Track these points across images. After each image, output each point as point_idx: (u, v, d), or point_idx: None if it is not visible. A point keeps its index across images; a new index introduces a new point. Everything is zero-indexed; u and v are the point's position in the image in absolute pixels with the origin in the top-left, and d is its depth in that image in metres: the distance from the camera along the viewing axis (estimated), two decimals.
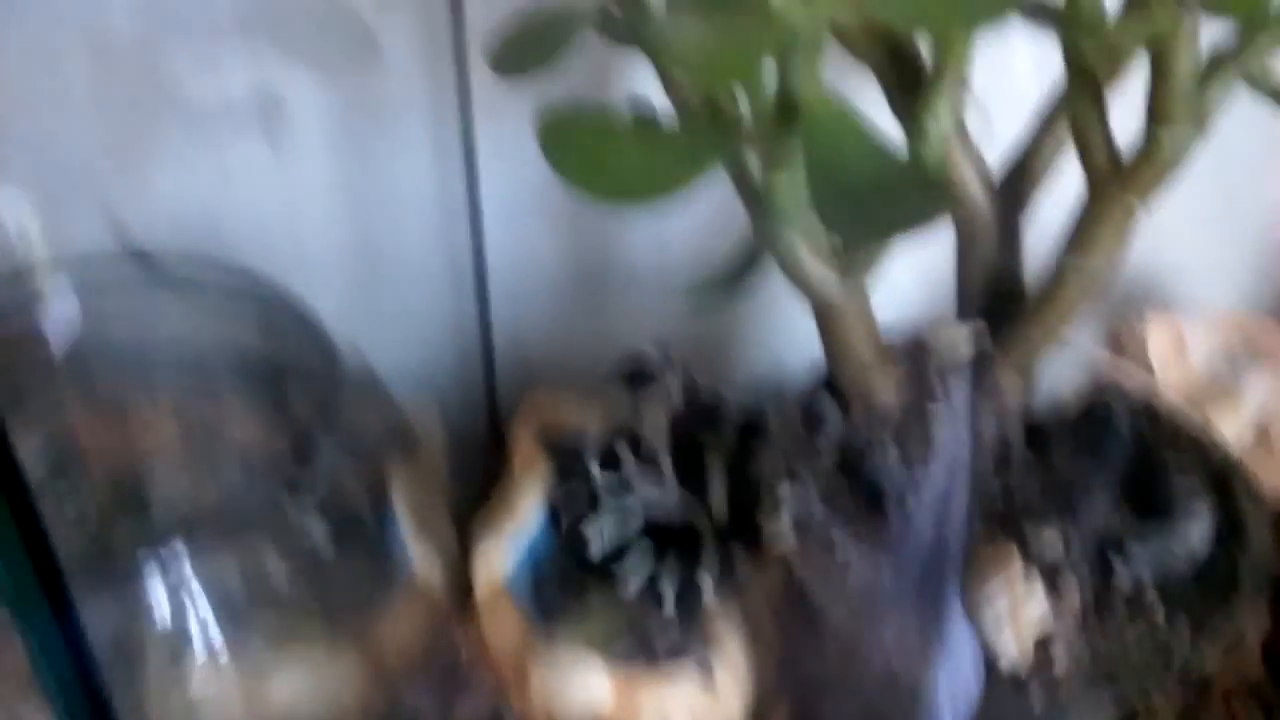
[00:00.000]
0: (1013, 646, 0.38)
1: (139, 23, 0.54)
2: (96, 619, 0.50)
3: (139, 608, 0.51)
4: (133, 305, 0.58)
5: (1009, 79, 0.48)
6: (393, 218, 0.64)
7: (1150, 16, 0.35)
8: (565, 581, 0.57)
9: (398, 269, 0.65)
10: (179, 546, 0.51)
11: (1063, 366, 0.53)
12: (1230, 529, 0.43)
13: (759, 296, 0.48)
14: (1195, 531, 0.42)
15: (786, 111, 0.34)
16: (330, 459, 0.56)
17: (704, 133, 0.35)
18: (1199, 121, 0.39)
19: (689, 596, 0.54)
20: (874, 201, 0.32)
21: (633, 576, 0.54)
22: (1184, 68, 0.37)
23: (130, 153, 0.57)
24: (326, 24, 0.53)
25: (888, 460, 0.43)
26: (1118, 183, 0.41)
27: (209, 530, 0.52)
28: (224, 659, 0.51)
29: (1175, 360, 0.58)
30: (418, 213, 0.64)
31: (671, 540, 0.56)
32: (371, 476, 0.58)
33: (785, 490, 0.43)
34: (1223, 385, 0.57)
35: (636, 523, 0.56)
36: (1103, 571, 0.41)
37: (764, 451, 0.46)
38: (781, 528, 0.42)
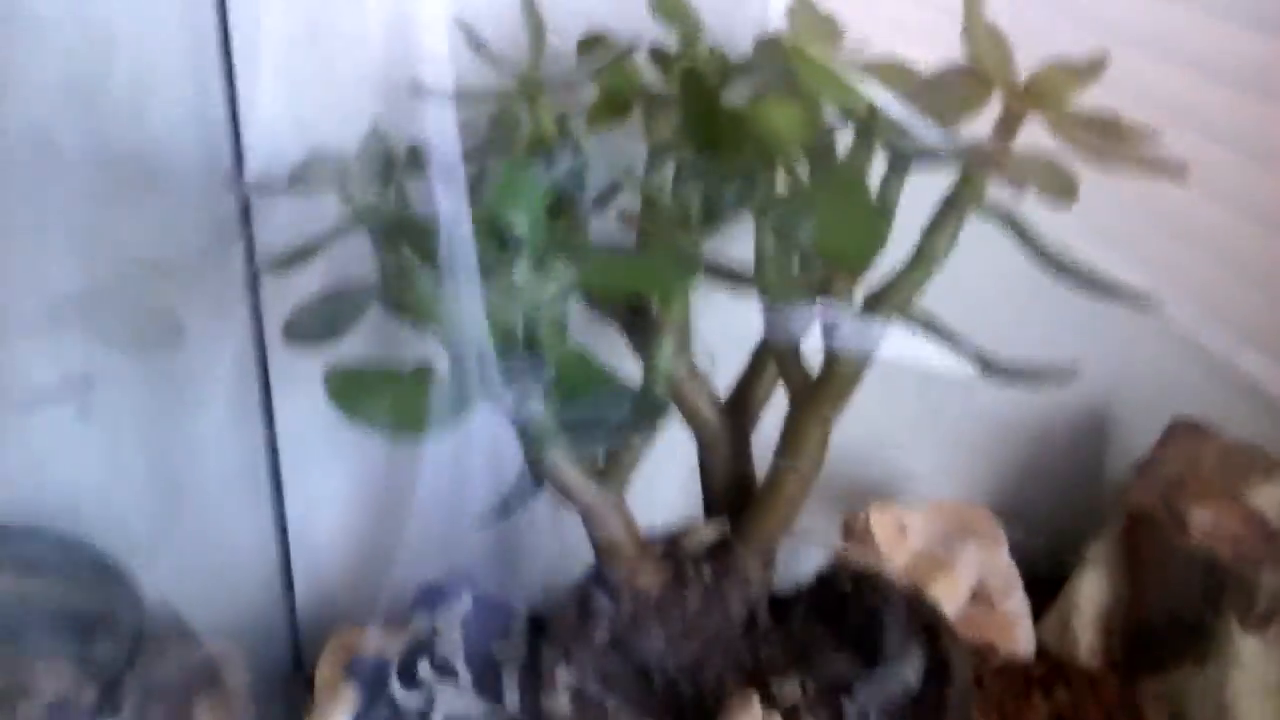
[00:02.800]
0: None
1: None
2: None
3: None
4: None
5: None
6: (197, 478, 0.68)
7: (809, 274, 0.46)
8: None
9: (203, 523, 0.69)
10: None
11: (808, 555, 0.62)
12: (938, 667, 0.52)
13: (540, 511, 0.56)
14: (909, 672, 0.51)
15: (536, 359, 0.43)
16: (137, 706, 0.59)
17: (470, 380, 0.43)
18: (864, 351, 0.50)
19: None
20: (609, 422, 0.40)
21: None
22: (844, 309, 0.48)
23: None
24: (135, 312, 0.60)
25: (651, 639, 0.50)
26: (811, 399, 0.51)
27: None
28: None
29: (898, 542, 0.68)
30: (220, 472, 0.69)
31: None
32: (178, 717, 0.61)
33: (562, 672, 0.49)
34: (939, 561, 0.68)
35: None
36: (836, 710, 0.49)
37: (544, 643, 0.52)
38: (560, 704, 0.49)
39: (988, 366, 0.49)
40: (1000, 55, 0.46)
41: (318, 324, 0.51)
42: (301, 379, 0.65)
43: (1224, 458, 0.69)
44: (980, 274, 0.54)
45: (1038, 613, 0.75)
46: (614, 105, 0.51)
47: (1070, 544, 0.75)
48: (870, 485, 0.77)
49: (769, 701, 0.49)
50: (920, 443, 0.79)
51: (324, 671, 0.66)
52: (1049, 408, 0.80)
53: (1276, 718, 0.65)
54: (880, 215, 0.41)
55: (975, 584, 0.70)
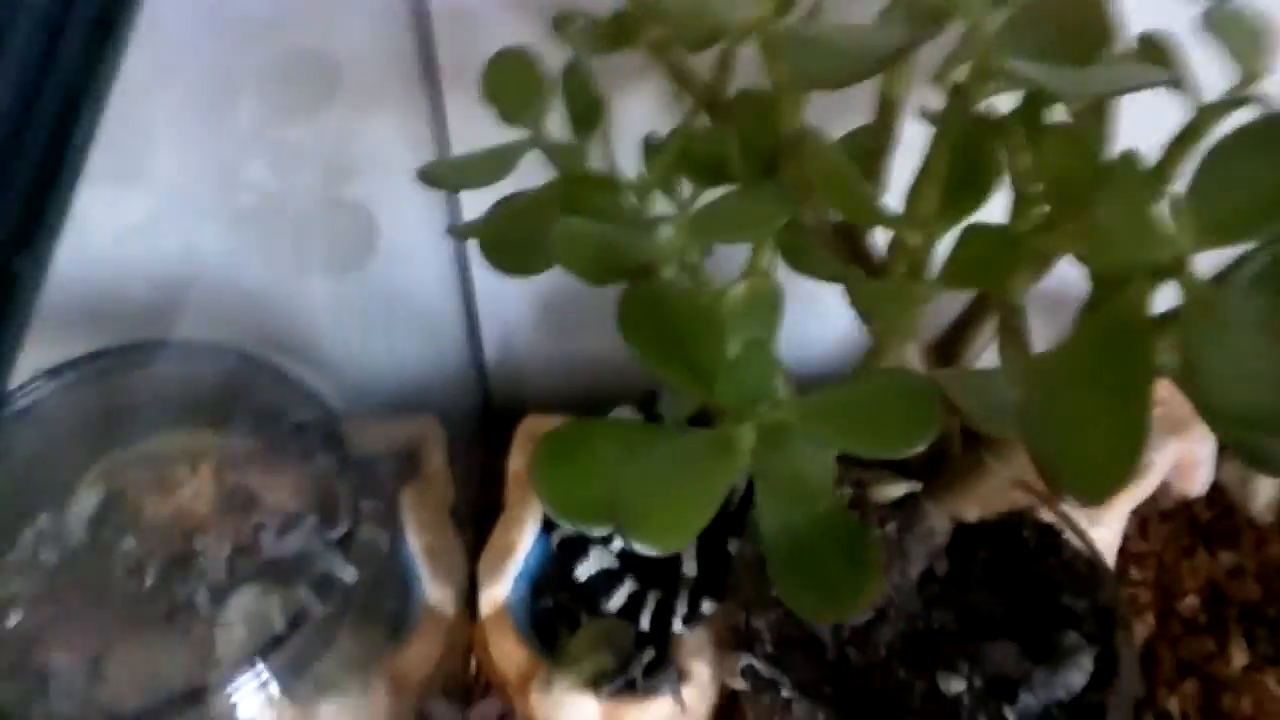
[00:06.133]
0: None
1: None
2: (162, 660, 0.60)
3: (198, 651, 0.60)
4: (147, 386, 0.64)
5: None
6: (388, 261, 0.69)
7: None
8: (557, 606, 0.67)
9: (396, 307, 0.71)
10: (229, 595, 0.61)
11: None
12: (1106, 668, 0.52)
13: None
14: (1076, 677, 0.51)
15: None
16: (351, 507, 0.64)
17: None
18: None
19: (662, 621, 0.64)
20: None
21: (615, 599, 0.65)
22: None
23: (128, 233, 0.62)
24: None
25: None
26: None
27: (254, 580, 0.61)
28: (274, 693, 0.60)
29: None
30: (410, 253, 0.69)
31: (650, 575, 0.66)
32: (387, 507, 0.67)
33: (741, 658, 0.52)
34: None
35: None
36: (997, 715, 0.50)
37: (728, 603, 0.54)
38: (741, 686, 0.52)
39: None
40: None
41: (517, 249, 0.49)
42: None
43: None
44: None
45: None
46: None
47: None
48: None
49: (933, 696, 0.50)
50: None
51: (515, 463, 0.70)
52: None
53: None
54: None
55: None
